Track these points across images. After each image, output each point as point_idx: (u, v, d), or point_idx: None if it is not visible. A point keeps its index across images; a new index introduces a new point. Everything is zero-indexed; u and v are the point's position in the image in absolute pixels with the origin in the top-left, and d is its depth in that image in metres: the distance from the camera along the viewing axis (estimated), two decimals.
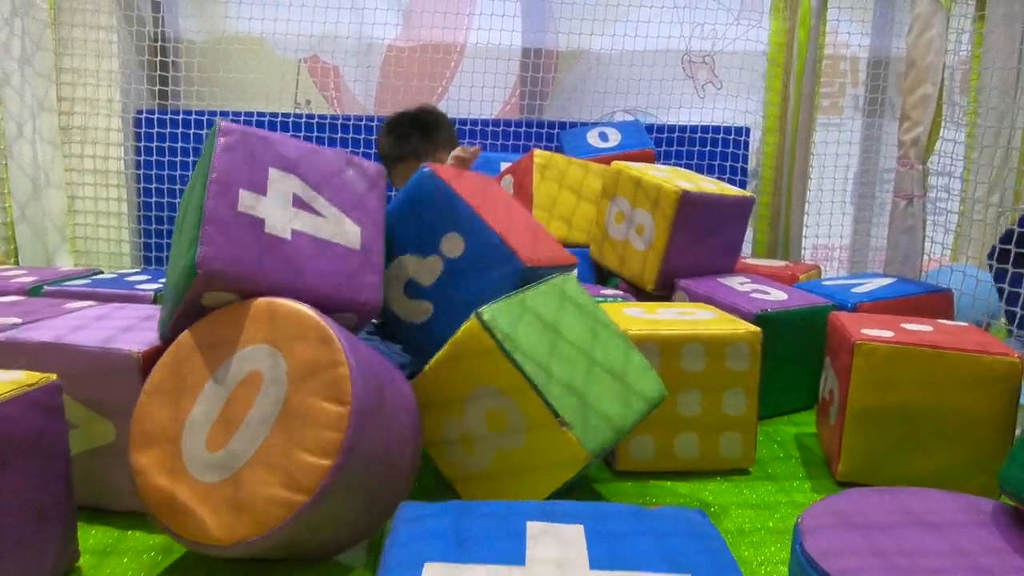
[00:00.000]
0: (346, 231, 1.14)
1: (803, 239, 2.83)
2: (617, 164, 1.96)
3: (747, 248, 2.80)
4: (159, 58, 2.70)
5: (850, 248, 3.31)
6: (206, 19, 2.80)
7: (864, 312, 1.73)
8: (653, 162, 2.42)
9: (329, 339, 0.93)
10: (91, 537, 1.10)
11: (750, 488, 1.36)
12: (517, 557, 0.55)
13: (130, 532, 1.13)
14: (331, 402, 0.89)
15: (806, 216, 2.83)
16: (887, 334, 1.38)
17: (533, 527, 0.60)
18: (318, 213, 1.13)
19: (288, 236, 1.07)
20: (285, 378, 0.92)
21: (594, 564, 0.54)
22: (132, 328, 1.24)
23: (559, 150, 2.69)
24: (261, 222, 1.05)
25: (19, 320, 1.30)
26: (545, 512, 0.63)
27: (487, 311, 1.09)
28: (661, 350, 1.36)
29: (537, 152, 2.08)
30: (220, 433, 0.93)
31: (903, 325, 1.46)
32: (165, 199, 2.69)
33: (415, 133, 1.68)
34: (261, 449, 0.90)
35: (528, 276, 1.23)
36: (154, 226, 2.71)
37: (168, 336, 1.07)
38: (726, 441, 1.41)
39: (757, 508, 1.28)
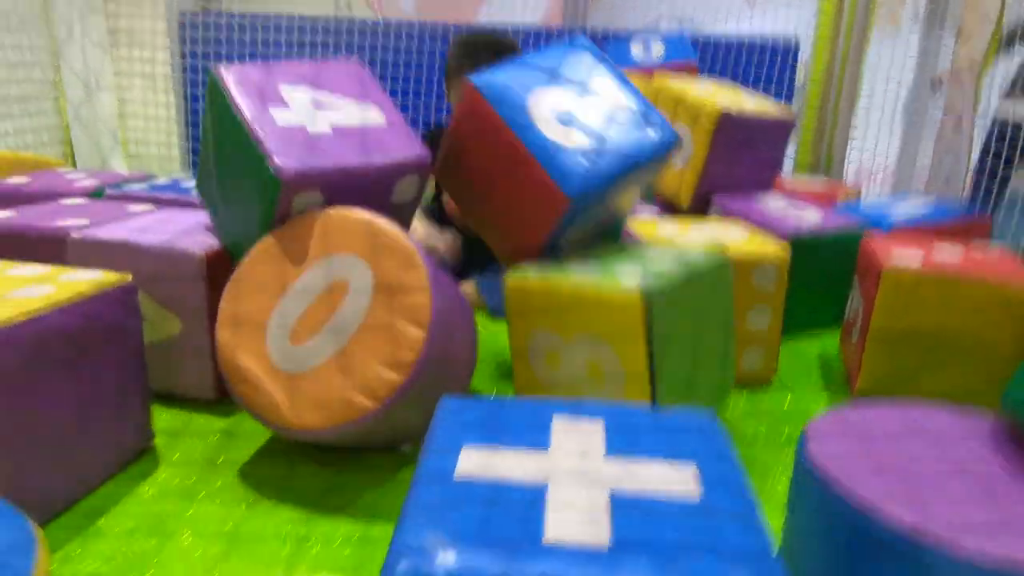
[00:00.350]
0: (368, 115, 1.21)
1: (846, 161, 2.79)
2: (659, 79, 1.95)
3: (788, 166, 2.77)
4: None
5: (895, 169, 3.24)
6: None
7: (899, 234, 1.75)
8: (696, 75, 2.38)
9: (417, 264, 1.00)
10: (162, 420, 1.22)
11: (770, 398, 1.43)
12: (543, 443, 0.63)
13: (196, 415, 1.26)
14: (411, 324, 0.97)
15: (851, 139, 2.77)
16: (915, 262, 1.41)
17: (558, 419, 0.68)
18: (338, 108, 1.19)
19: (330, 131, 1.15)
20: (371, 291, 1.00)
21: (610, 452, 0.62)
22: (192, 232, 1.32)
23: None
24: (303, 127, 1.13)
25: (87, 221, 1.39)
26: (570, 408, 0.70)
27: (652, 290, 1.01)
28: None
29: None
30: (304, 329, 1.02)
31: (934, 251, 1.48)
32: None
33: (487, 57, 1.70)
34: (340, 352, 0.99)
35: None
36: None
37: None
38: (748, 355, 1.47)
39: (774, 416, 1.36)
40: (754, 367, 1.47)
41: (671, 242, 1.47)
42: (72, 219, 1.41)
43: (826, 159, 2.74)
